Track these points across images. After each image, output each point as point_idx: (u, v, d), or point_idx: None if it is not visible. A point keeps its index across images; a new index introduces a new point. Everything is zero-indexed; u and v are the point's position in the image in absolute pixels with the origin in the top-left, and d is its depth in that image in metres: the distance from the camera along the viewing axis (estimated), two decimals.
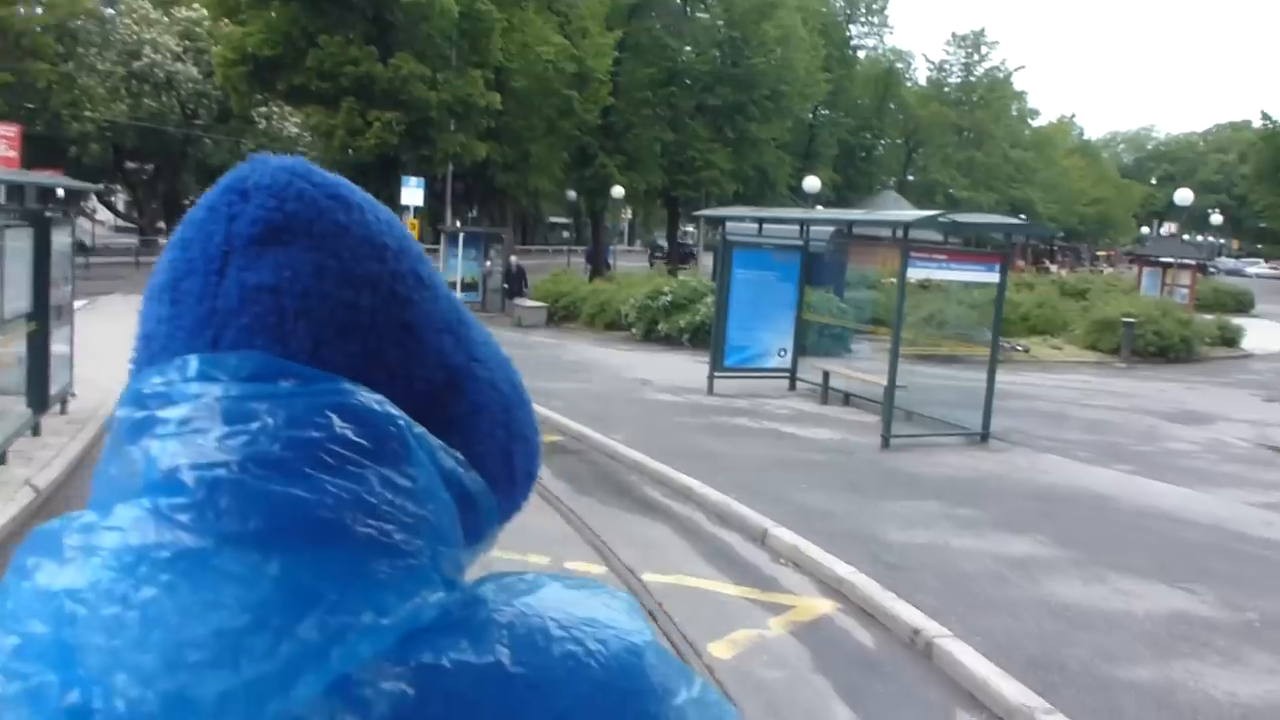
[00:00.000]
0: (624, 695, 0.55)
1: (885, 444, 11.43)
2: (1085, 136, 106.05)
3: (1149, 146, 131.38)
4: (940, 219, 11.12)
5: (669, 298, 21.87)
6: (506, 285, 27.31)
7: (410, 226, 24.67)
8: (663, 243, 56.62)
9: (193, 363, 0.54)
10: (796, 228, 18.05)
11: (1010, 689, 5.42)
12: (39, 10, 49.18)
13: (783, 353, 15.41)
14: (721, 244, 14.82)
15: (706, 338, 20.86)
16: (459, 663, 0.51)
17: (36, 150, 49.20)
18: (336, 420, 0.53)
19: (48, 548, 0.50)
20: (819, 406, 14.26)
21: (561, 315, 25.43)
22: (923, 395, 12.68)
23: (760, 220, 16.13)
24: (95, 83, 49.02)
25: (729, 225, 16.01)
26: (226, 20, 30.41)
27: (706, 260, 49.03)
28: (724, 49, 42.28)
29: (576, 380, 15.87)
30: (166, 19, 48.97)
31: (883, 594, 6.68)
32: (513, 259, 27.28)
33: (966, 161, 62.33)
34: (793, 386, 15.55)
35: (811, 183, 27.13)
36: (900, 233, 11.37)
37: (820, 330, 17.23)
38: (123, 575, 0.48)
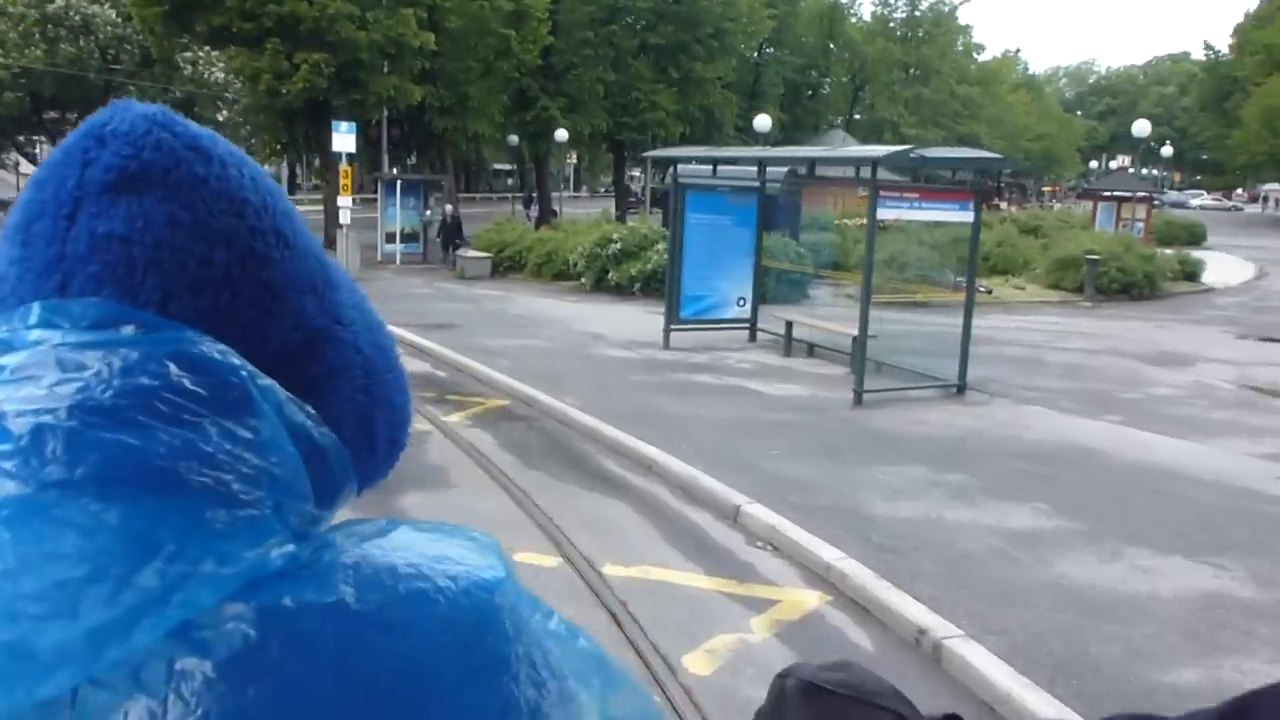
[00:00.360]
0: (472, 631, 0.54)
1: (858, 400, 10.62)
2: (1029, 72, 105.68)
3: (1090, 81, 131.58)
4: (911, 154, 10.21)
5: (618, 245, 20.87)
6: (440, 236, 26.06)
7: (343, 175, 23.38)
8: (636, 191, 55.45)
9: (35, 309, 0.53)
10: (751, 169, 17.15)
11: (1037, 701, 4.64)
12: None
13: (741, 302, 14.53)
14: (673, 187, 13.83)
15: (659, 287, 19.92)
16: (301, 602, 0.50)
17: None
18: (174, 368, 0.52)
19: None
20: (783, 359, 13.41)
21: (506, 266, 24.32)
22: (891, 344, 11.88)
23: (714, 161, 15.07)
24: (7, 27, 46.41)
25: (680, 168, 14.89)
26: None
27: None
28: None
29: (524, 336, 14.89)
30: None
31: (877, 583, 5.86)
32: (448, 207, 26.08)
33: (914, 98, 61.42)
34: (753, 338, 14.69)
35: (762, 121, 26.13)
36: (867, 171, 10.43)
37: (778, 277, 16.34)
38: None
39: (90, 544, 0.47)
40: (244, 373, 0.54)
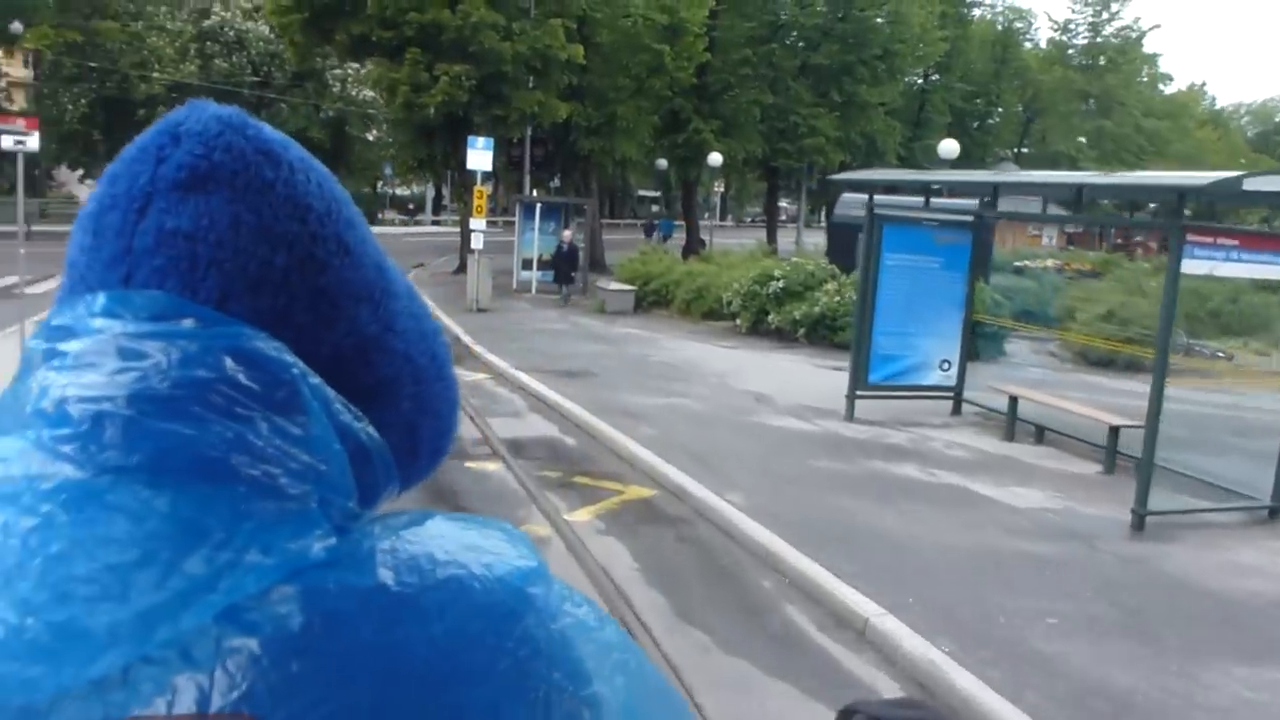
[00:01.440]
0: (505, 618, 0.55)
1: (1138, 524, 7.64)
2: (1216, 106, 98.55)
3: (1277, 119, 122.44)
4: (1243, 185, 7.17)
5: (780, 283, 18.14)
6: (555, 269, 23.45)
7: (477, 195, 21.37)
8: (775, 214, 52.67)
9: (100, 299, 0.55)
10: (950, 198, 14.26)
11: None
12: None
13: (946, 366, 11.63)
14: (868, 220, 11.08)
15: (827, 334, 17.20)
16: (343, 585, 0.52)
17: (106, 114, 47.28)
18: (230, 363, 0.53)
19: None
20: (1004, 444, 10.46)
21: (651, 301, 21.85)
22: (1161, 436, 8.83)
23: (925, 189, 12.26)
24: (164, 43, 46.78)
25: (878, 197, 12.12)
26: None
27: (811, 238, 44.94)
28: (832, 1, 37.98)
29: (672, 393, 12.31)
30: None
31: None
32: (565, 233, 23.34)
33: (1094, 131, 56.85)
34: (957, 410, 11.78)
35: (949, 147, 23.01)
36: (1175, 204, 7.44)
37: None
38: (4, 505, 0.49)
39: (141, 529, 0.48)
40: (296, 371, 0.55)
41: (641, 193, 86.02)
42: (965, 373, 11.72)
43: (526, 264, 24.76)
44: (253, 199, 0.57)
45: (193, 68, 46.41)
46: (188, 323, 0.54)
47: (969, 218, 11.76)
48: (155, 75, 45.31)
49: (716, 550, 7.11)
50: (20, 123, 12.02)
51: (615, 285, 22.09)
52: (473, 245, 20.49)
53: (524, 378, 13.08)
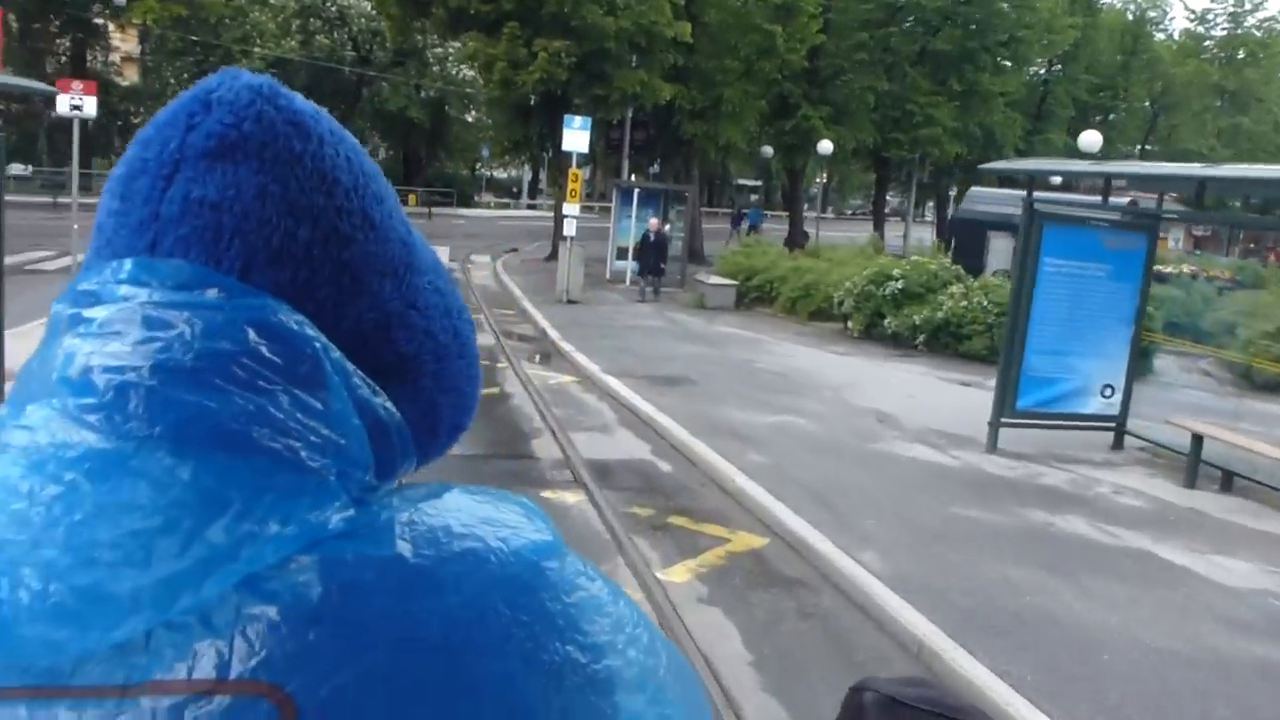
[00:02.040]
0: (520, 590, 0.56)
1: None
2: None
3: None
4: None
5: (899, 284, 16.42)
6: (638, 261, 21.45)
7: (571, 178, 20.04)
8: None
9: (127, 265, 0.55)
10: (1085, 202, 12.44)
11: None
12: None
13: (1109, 392, 9.89)
14: (1026, 217, 9.38)
15: (950, 342, 15.46)
16: (360, 555, 0.53)
17: None
18: (253, 335, 0.53)
19: None
20: (1185, 492, 8.70)
21: (753, 297, 20.28)
22: None
23: (1107, 180, 10.51)
24: (267, 18, 46.55)
25: (1038, 192, 10.36)
26: None
27: (918, 233, 42.76)
28: None
29: (783, 408, 10.78)
30: None
31: None
32: (654, 221, 21.27)
33: (1229, 128, 53.26)
34: (1119, 444, 10.03)
35: (1090, 139, 20.79)
36: None
37: None
38: (30, 472, 0.49)
39: (164, 497, 0.49)
40: (317, 345, 0.56)
41: (741, 181, 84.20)
42: (1130, 400, 9.96)
43: (622, 253, 23.37)
44: (280, 170, 0.56)
45: (294, 43, 46.09)
46: (212, 293, 0.54)
47: (1143, 221, 9.97)
48: (256, 50, 45.07)
49: (850, 634, 5.60)
50: (78, 85, 11.08)
51: (715, 279, 20.56)
52: (565, 231, 19.19)
53: (614, 384, 11.69)
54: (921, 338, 15.76)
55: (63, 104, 10.90)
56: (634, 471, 8.52)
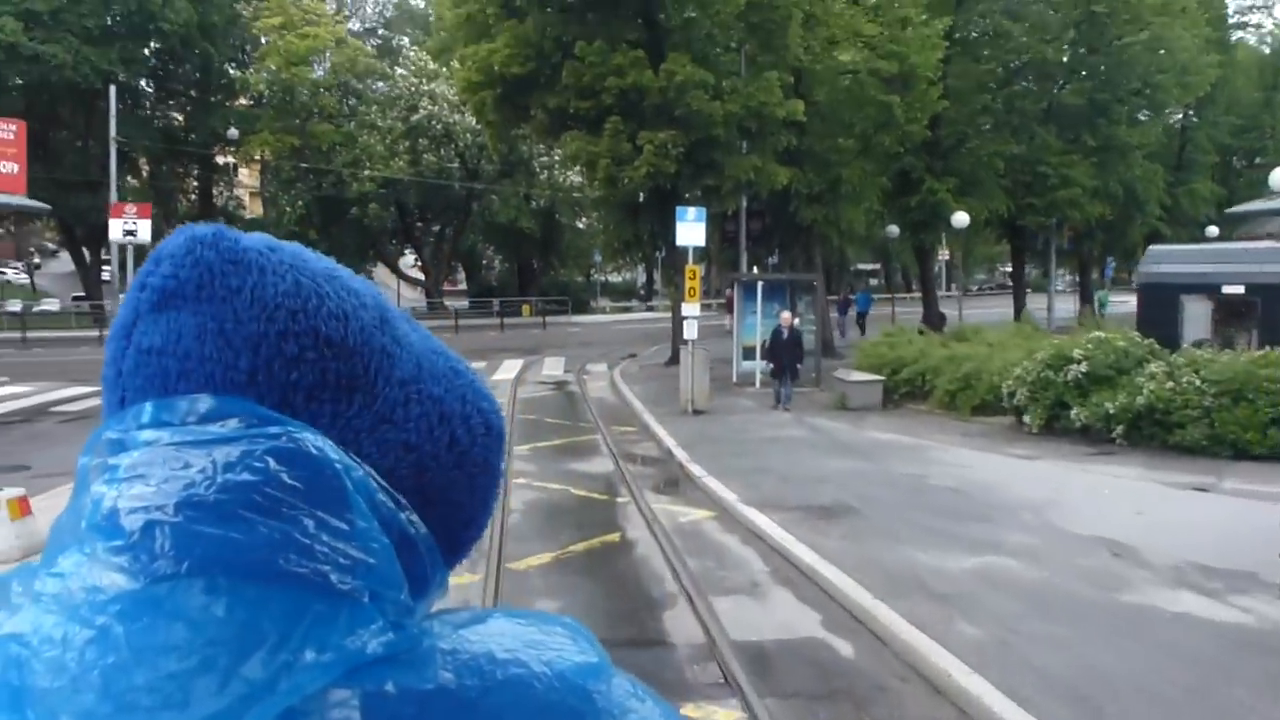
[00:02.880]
0: (568, 716, 0.56)
1: None
2: None
3: None
4: None
5: (1082, 367, 13.96)
6: (769, 361, 18.38)
7: (689, 275, 18.22)
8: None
9: (147, 409, 0.57)
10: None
11: None
12: (321, 73, 47.72)
13: None
14: None
15: (1157, 433, 12.87)
16: (403, 688, 0.52)
17: (322, 213, 47.75)
18: (273, 463, 0.54)
19: None
20: None
21: (903, 393, 17.96)
22: None
23: None
24: (375, 140, 46.92)
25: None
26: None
27: (1062, 305, 39.60)
28: (1081, 30, 33.25)
29: (977, 544, 8.49)
30: (445, 70, 45.85)
31: None
32: (785, 315, 18.43)
33: None
34: None
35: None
36: None
37: None
38: (64, 619, 0.49)
39: (198, 636, 0.49)
40: (339, 466, 0.56)
41: (859, 266, 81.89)
42: None
43: (748, 353, 21.37)
44: (216, 308, 0.58)
45: (402, 163, 46.22)
46: (232, 424, 0.55)
47: None
48: (366, 173, 45.29)
49: None
50: (131, 209, 9.86)
51: (857, 376, 18.32)
52: (685, 334, 17.32)
53: (759, 519, 9.58)
54: (1119, 430, 13.22)
55: (115, 230, 9.68)
56: (803, 660, 6.35)
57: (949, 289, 77.83)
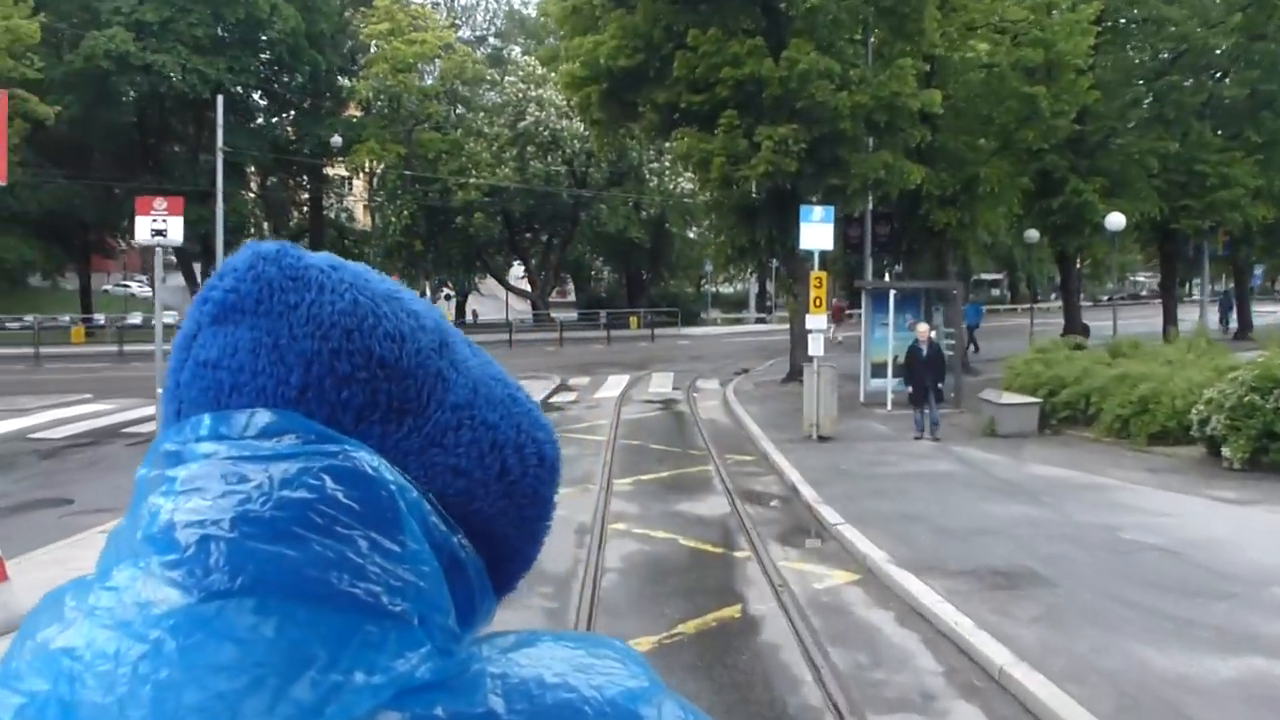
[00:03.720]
0: None
1: None
2: None
3: None
4: None
5: None
6: (907, 382, 15.79)
7: (813, 283, 16.13)
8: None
9: (205, 421, 0.57)
10: None
11: None
12: (430, 80, 46.96)
13: None
14: None
15: None
16: (453, 712, 0.52)
17: (427, 223, 46.91)
18: (329, 482, 0.54)
19: (52, 610, 0.52)
20: None
21: (1062, 418, 15.56)
22: None
23: None
24: (481, 147, 45.89)
25: None
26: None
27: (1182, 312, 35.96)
28: (1248, 14, 29.95)
29: (1227, 638, 6.28)
30: (554, 75, 44.62)
31: None
32: (922, 328, 15.84)
33: None
34: None
35: None
36: None
37: None
38: (117, 633, 0.49)
39: (248, 656, 0.48)
40: (394, 486, 0.56)
41: (982, 275, 78.09)
42: None
43: (877, 369, 19.17)
44: (272, 323, 0.58)
45: (508, 170, 45.06)
46: (289, 440, 0.55)
47: None
48: (472, 181, 44.24)
49: None
50: (162, 204, 8.30)
51: (1009, 397, 15.96)
52: (810, 350, 15.25)
53: (918, 590, 7.51)
54: None
55: (143, 229, 8.18)
56: None
57: (1079, 299, 73.58)
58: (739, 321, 59.07)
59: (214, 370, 0.58)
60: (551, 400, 21.50)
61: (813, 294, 15.28)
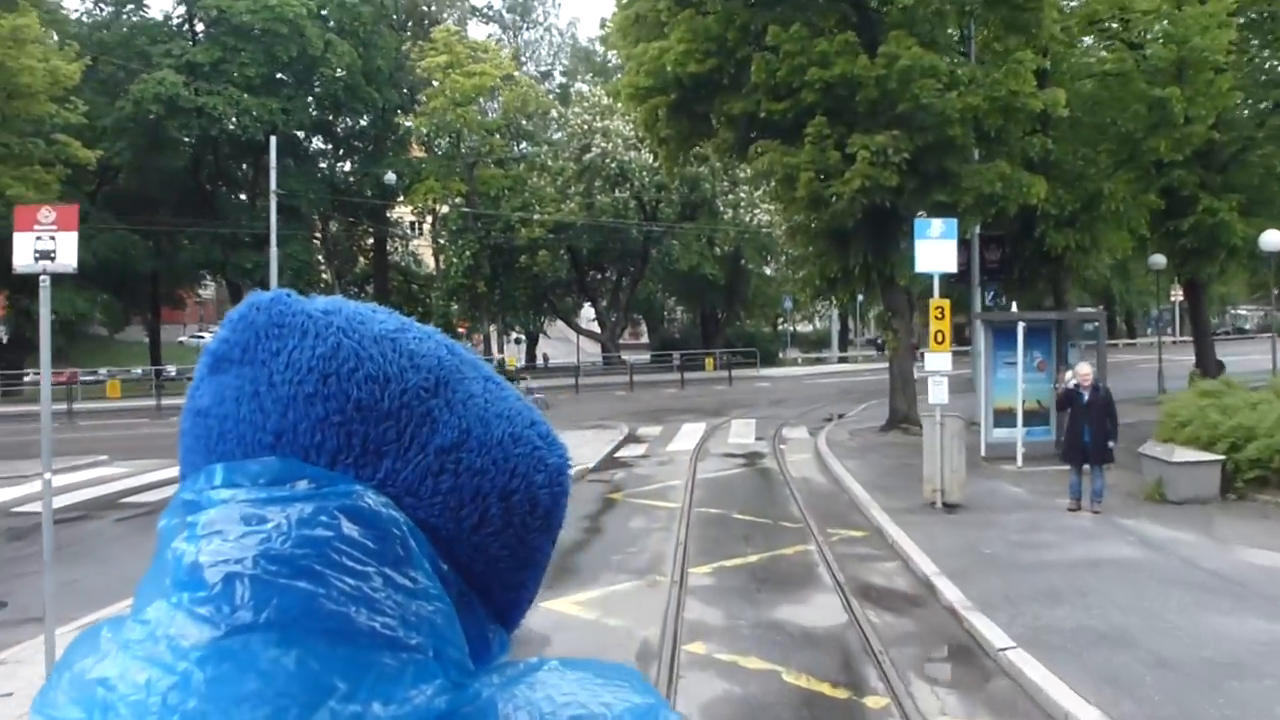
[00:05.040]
0: None
1: None
2: None
3: None
4: None
5: None
6: (1068, 440, 12.42)
7: (934, 311, 12.99)
8: None
9: (218, 471, 0.59)
10: None
11: None
12: (492, 114, 45.04)
13: None
14: None
15: None
16: None
17: (490, 263, 44.74)
18: (344, 521, 0.55)
19: (88, 643, 0.55)
20: None
21: (1251, 478, 12.35)
22: None
23: None
24: (545, 182, 43.70)
25: None
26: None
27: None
28: None
29: None
30: (621, 106, 42.36)
31: None
32: (1082, 369, 12.37)
33: None
34: None
35: None
36: None
37: None
38: (148, 665, 0.51)
39: (270, 687, 0.50)
40: (405, 525, 0.57)
41: (1077, 309, 73.45)
42: None
43: (1001, 418, 16.11)
44: (255, 370, 0.60)
45: (574, 205, 42.74)
46: (302, 485, 0.57)
47: None
48: (536, 217, 42.01)
49: None
50: (49, 216, 5.87)
51: (1181, 454, 12.74)
52: (931, 396, 12.28)
53: None
54: None
55: (24, 250, 5.76)
56: None
57: (1180, 333, 68.48)
58: (820, 361, 55.81)
59: (205, 418, 0.60)
60: (617, 455, 18.77)
61: (933, 327, 12.34)
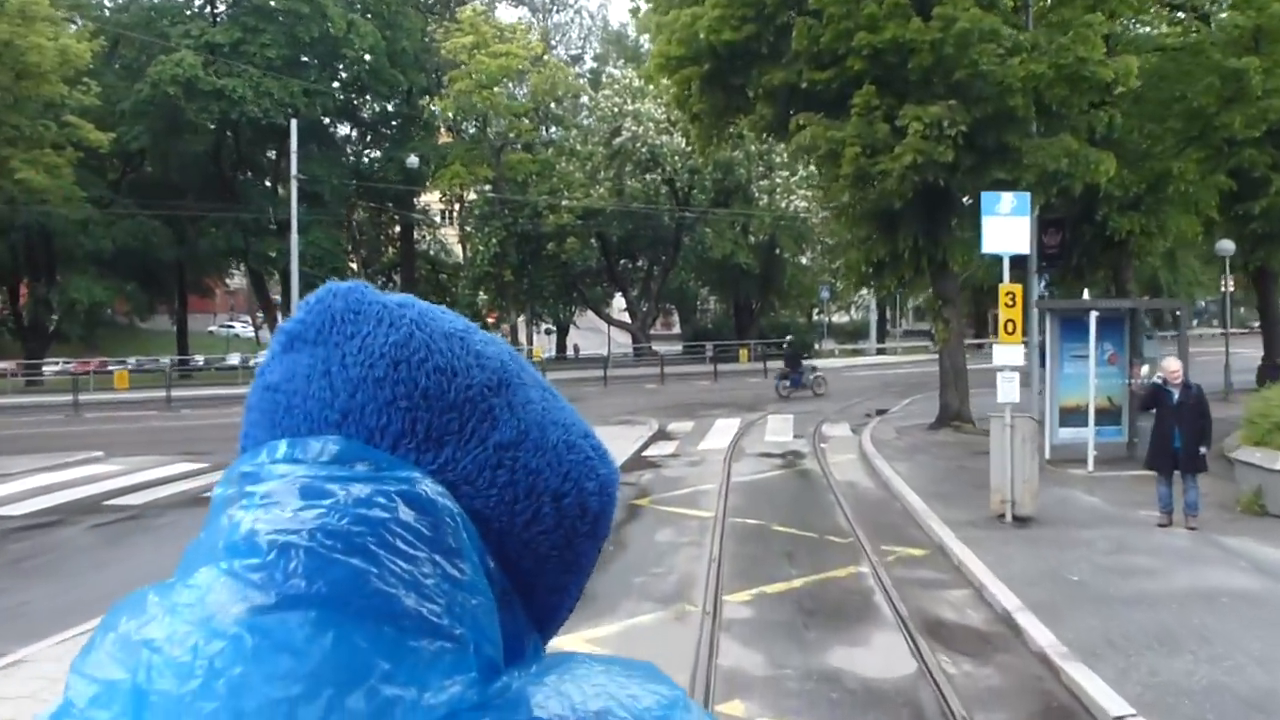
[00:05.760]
0: None
1: None
2: None
3: None
4: None
5: None
6: (1156, 448, 10.55)
7: (1004, 297, 11.32)
8: None
9: (281, 446, 0.59)
10: None
11: None
12: (520, 97, 43.69)
13: None
14: None
15: None
16: None
17: (517, 250, 43.53)
18: (401, 505, 0.56)
19: (134, 606, 0.54)
20: None
21: None
22: None
23: None
24: (574, 167, 42.34)
25: None
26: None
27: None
28: None
29: None
30: (653, 87, 40.85)
31: None
32: (1170, 364, 10.72)
33: None
34: None
35: None
36: None
37: None
38: (196, 628, 0.51)
39: (314, 659, 0.50)
40: (458, 516, 0.58)
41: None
42: None
43: (1067, 415, 14.59)
44: (328, 351, 0.61)
45: (604, 190, 41.35)
46: (361, 466, 0.57)
47: None
48: (564, 203, 40.67)
49: None
50: None
51: (1262, 456, 11.20)
52: (1000, 394, 10.79)
53: None
54: None
55: None
56: None
57: (1228, 326, 65.77)
58: (858, 353, 54.14)
59: (274, 393, 0.61)
60: (645, 453, 17.41)
61: (1003, 316, 10.85)
